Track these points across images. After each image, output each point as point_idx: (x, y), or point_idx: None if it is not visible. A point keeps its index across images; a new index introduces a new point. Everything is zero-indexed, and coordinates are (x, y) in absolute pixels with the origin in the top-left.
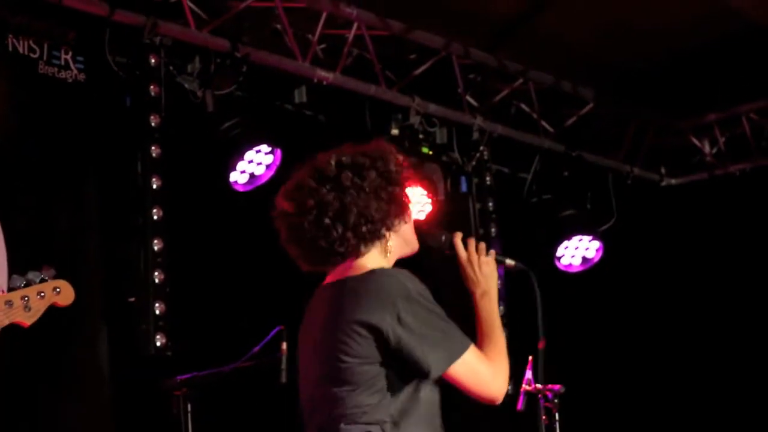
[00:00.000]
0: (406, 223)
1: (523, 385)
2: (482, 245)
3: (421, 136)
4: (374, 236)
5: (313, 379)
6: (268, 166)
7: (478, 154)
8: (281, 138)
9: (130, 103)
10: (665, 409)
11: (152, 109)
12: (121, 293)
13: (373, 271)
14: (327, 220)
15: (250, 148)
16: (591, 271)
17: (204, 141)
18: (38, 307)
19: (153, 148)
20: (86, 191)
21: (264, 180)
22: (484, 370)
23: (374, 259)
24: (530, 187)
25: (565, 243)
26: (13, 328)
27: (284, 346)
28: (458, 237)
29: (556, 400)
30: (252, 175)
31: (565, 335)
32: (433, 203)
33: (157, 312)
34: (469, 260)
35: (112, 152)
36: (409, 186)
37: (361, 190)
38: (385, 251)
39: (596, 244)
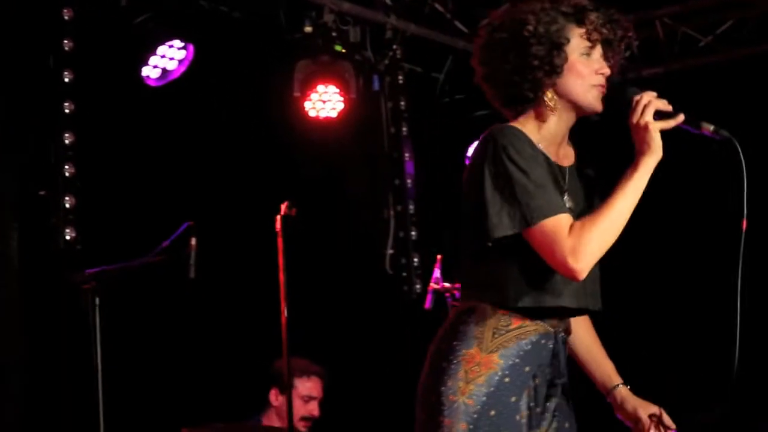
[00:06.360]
0: (562, 82)
1: (431, 284)
2: (657, 105)
3: (334, 34)
4: (516, 97)
5: None
6: (180, 62)
7: (390, 53)
8: (194, 34)
9: None
10: None
11: (65, 2)
12: (33, 187)
13: (489, 129)
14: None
15: (163, 42)
16: None
17: (117, 35)
18: None
19: (65, 41)
20: None
21: (176, 75)
22: (558, 243)
23: (523, 118)
24: (443, 87)
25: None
26: None
27: (193, 241)
28: (645, 96)
29: None
30: (164, 71)
31: None
32: (345, 101)
33: (67, 206)
34: (636, 123)
35: (23, 46)
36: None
37: (498, 51)
38: (541, 113)
39: None
